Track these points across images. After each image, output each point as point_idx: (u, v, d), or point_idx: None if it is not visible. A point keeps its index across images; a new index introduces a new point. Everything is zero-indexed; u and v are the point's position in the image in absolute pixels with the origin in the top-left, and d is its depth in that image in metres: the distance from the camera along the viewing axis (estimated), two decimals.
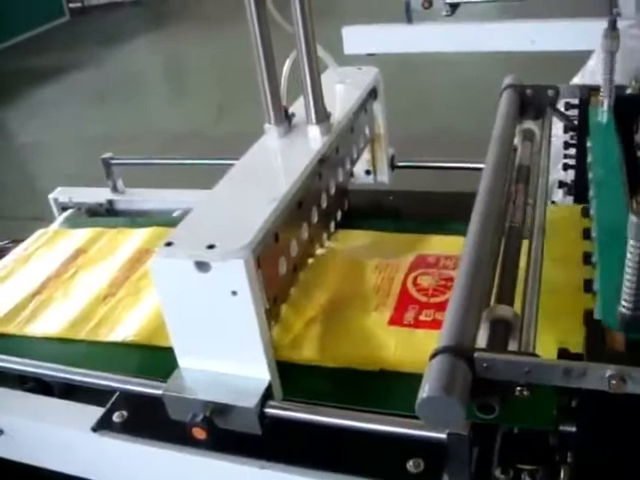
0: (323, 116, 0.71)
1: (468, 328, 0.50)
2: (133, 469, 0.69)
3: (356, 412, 0.60)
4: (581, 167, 0.87)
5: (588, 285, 0.69)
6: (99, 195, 1.13)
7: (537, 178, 0.74)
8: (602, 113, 0.81)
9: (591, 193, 0.72)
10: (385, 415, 0.59)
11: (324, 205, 0.74)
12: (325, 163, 0.71)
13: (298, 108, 0.76)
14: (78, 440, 0.69)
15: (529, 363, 0.47)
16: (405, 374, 0.67)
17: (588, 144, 0.80)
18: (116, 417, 0.68)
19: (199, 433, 0.60)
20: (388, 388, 0.66)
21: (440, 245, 0.85)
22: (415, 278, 0.78)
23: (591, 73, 1.45)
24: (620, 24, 1.45)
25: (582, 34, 1.59)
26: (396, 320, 0.73)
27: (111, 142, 2.24)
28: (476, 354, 0.47)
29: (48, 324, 0.82)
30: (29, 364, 0.73)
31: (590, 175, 0.75)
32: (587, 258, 0.70)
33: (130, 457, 0.68)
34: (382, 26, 1.80)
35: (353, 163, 0.85)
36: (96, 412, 0.70)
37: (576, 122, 0.86)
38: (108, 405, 0.70)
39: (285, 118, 0.72)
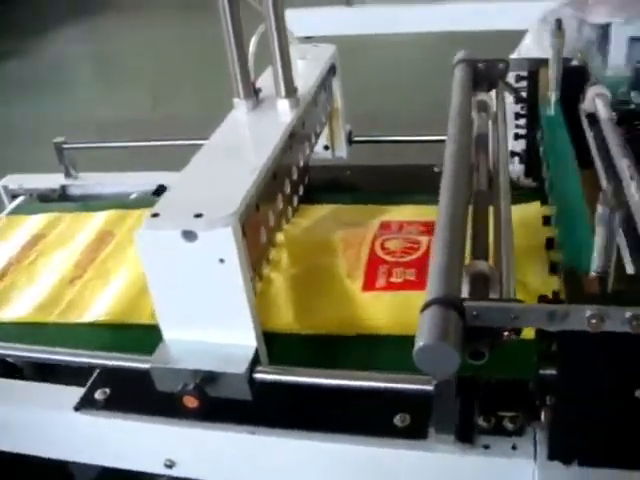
0: (292, 90, 0.73)
1: (454, 280, 0.53)
2: (120, 446, 0.69)
3: (343, 371, 0.62)
4: (531, 137, 0.92)
5: (549, 243, 0.73)
6: (51, 181, 1.11)
7: (497, 145, 0.78)
8: (551, 105, 0.85)
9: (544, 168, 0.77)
10: (370, 372, 0.61)
11: (294, 178, 0.75)
12: (295, 136, 0.73)
13: (262, 83, 0.78)
14: (60, 421, 0.69)
15: (516, 308, 0.50)
16: (382, 336, 0.70)
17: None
18: (98, 395, 0.68)
19: (191, 402, 0.60)
20: (367, 351, 0.69)
21: (400, 214, 0.88)
22: (382, 243, 0.81)
23: (526, 51, 1.51)
24: (552, 4, 1.52)
25: (515, 14, 1.65)
26: (369, 285, 0.75)
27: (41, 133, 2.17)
28: (466, 303, 0.50)
29: (15, 309, 0.81)
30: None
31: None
32: (547, 220, 0.74)
33: (117, 434, 0.68)
34: (321, 9, 1.82)
35: (317, 138, 0.87)
36: (75, 392, 0.69)
37: (525, 94, 0.91)
38: (89, 383, 0.70)
39: (253, 92, 0.73)
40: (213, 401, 0.61)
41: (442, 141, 1.01)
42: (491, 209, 0.67)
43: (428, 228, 0.83)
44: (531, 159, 0.92)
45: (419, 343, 0.48)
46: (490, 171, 0.73)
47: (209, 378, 0.61)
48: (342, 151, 0.96)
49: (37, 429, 0.70)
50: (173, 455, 0.67)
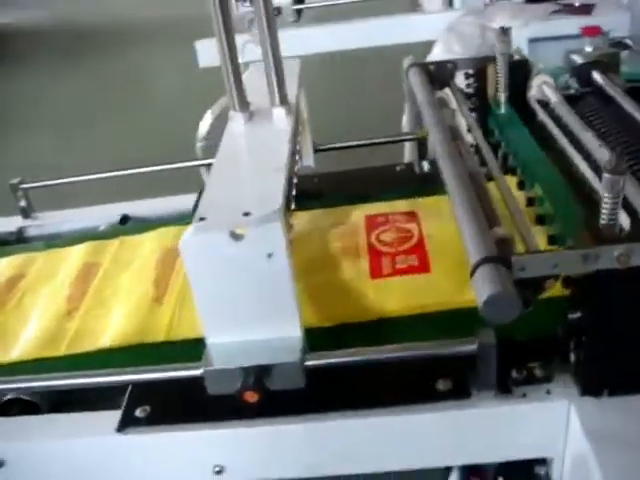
0: (285, 99, 0.77)
1: (490, 242, 0.59)
2: (167, 461, 0.69)
3: (385, 346, 0.66)
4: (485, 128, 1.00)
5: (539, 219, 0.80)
6: (8, 223, 1.08)
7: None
8: (502, 105, 0.94)
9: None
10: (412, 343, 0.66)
11: (295, 181, 0.79)
12: (293, 142, 0.77)
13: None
14: (103, 447, 0.68)
15: (556, 256, 0.57)
16: (399, 317, 0.75)
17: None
18: (139, 412, 0.69)
19: (251, 397, 0.62)
20: (389, 333, 0.73)
21: (378, 209, 0.94)
22: (377, 236, 0.86)
23: (436, 59, 1.63)
24: (454, 15, 1.65)
25: (419, 27, 1.78)
26: (376, 273, 0.80)
27: None
28: (513, 257, 0.56)
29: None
30: (21, 380, 0.71)
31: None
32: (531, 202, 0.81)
33: (165, 448, 0.68)
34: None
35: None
36: (109, 416, 0.69)
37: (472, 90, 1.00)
38: (124, 403, 0.70)
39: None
40: (271, 395, 0.63)
41: (395, 142, 1.09)
42: None
43: (411, 217, 0.89)
44: None
45: (483, 297, 0.53)
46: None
47: (265, 371, 0.63)
48: (310, 159, 1.01)
49: (79, 459, 0.69)
50: (223, 460, 0.68)
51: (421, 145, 1.05)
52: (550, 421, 0.66)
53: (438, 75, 0.98)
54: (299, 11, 1.80)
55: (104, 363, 0.75)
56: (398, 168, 1.05)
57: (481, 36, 1.58)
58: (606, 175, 0.57)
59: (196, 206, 1.03)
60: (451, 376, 0.67)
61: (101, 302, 0.85)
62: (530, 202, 0.79)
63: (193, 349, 0.71)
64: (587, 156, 0.76)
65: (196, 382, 0.65)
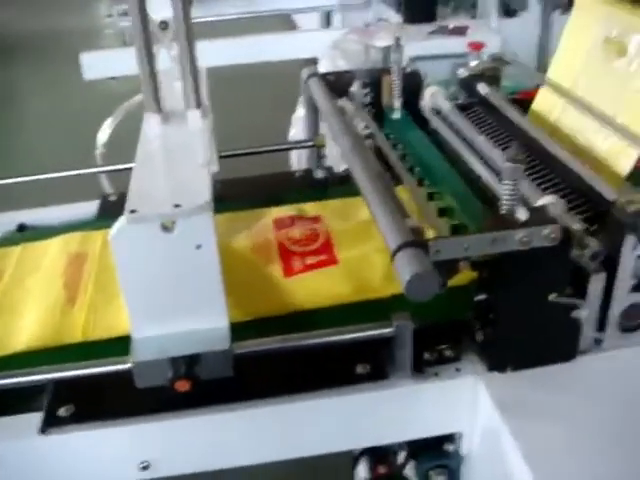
0: (199, 101, 0.79)
1: (406, 230, 0.64)
2: (96, 460, 0.68)
3: (309, 332, 0.69)
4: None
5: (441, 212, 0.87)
6: None
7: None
8: (397, 111, 1.01)
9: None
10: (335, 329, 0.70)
11: None
12: (211, 141, 0.79)
13: None
14: (27, 450, 0.67)
15: (467, 240, 0.62)
16: (312, 310, 0.78)
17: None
18: (63, 412, 0.68)
19: (183, 386, 0.64)
20: (305, 324, 0.77)
21: (284, 212, 0.97)
22: (287, 234, 0.89)
23: None
24: (335, 33, 1.73)
25: (299, 45, 1.84)
26: (288, 271, 0.83)
27: None
28: (430, 242, 0.62)
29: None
30: None
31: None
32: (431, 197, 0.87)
33: (91, 447, 0.68)
34: (118, 50, 1.84)
35: None
36: (29, 418, 0.68)
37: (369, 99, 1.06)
38: (46, 402, 0.68)
39: None
40: (201, 384, 0.65)
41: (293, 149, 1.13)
42: None
43: (317, 219, 0.94)
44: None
45: (406, 277, 0.58)
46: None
47: (194, 361, 0.64)
48: (215, 165, 1.02)
49: (3, 463, 0.67)
50: (152, 454, 0.69)
51: (319, 151, 1.10)
52: (460, 397, 0.71)
53: (336, 85, 1.03)
54: None
55: (20, 367, 0.73)
56: (297, 174, 1.09)
57: (365, 53, 1.67)
58: (507, 164, 0.64)
59: (103, 210, 1.04)
60: (369, 360, 0.71)
61: (10, 307, 0.82)
62: (430, 197, 0.85)
63: (111, 348, 0.71)
64: (481, 156, 0.84)
65: (122, 377, 0.65)
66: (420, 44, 1.66)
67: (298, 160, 1.46)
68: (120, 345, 0.70)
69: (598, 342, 0.72)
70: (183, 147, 0.73)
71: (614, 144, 0.81)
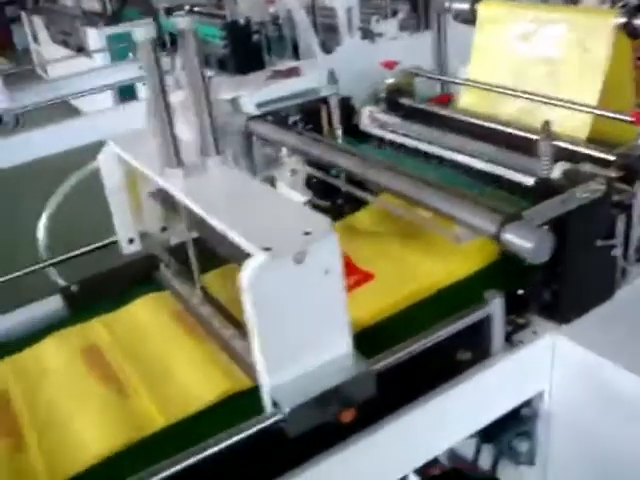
0: (218, 148, 0.77)
1: (492, 208, 0.69)
2: None
3: (417, 336, 0.70)
4: None
5: None
6: None
7: None
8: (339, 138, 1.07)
9: None
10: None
11: None
12: None
13: None
14: None
15: (543, 207, 0.70)
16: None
17: None
18: None
19: (348, 416, 0.62)
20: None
21: None
22: None
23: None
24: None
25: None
26: None
27: None
28: (523, 213, 0.68)
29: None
30: None
31: None
32: None
33: None
34: None
35: None
36: None
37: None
38: None
39: None
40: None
41: None
42: None
43: None
44: None
45: (529, 244, 0.64)
46: None
47: (341, 390, 0.63)
48: None
49: None
50: None
51: None
52: (542, 356, 0.78)
53: (276, 122, 1.06)
54: (17, 117, 1.68)
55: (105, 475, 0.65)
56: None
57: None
58: (542, 137, 0.73)
59: (71, 301, 0.91)
60: (464, 345, 0.74)
61: (48, 423, 0.72)
62: None
63: (193, 426, 0.69)
64: (459, 150, 0.93)
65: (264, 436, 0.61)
66: (266, 89, 1.72)
67: None
68: (204, 418, 0.69)
69: (624, 274, 0.82)
70: (238, 187, 0.72)
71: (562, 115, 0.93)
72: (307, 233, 0.60)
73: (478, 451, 0.87)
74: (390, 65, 1.09)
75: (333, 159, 0.87)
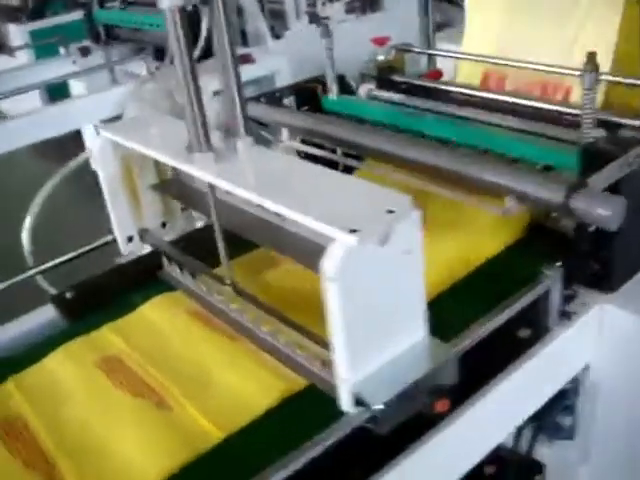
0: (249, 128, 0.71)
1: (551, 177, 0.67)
2: None
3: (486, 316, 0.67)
4: None
5: None
6: None
7: None
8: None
9: None
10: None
11: None
12: None
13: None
14: None
15: (613, 168, 0.67)
16: None
17: None
18: None
19: (444, 405, 0.58)
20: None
21: None
22: None
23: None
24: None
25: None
26: None
27: None
28: (588, 180, 0.65)
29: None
30: None
31: None
32: None
33: None
34: None
35: None
36: None
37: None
38: None
39: None
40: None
41: None
42: None
43: None
44: None
45: (609, 211, 0.61)
46: None
47: (429, 380, 0.58)
48: None
49: None
50: None
51: None
52: (592, 326, 0.76)
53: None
54: None
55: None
56: None
57: (168, 97, 1.60)
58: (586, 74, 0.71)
59: (66, 309, 0.82)
60: (522, 323, 0.71)
61: (84, 448, 0.63)
62: None
63: (250, 436, 0.63)
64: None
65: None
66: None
67: None
68: (262, 426, 0.63)
69: None
70: (286, 168, 0.66)
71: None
72: (390, 211, 0.55)
73: (519, 433, 0.85)
74: (380, 41, 1.04)
75: (361, 140, 0.82)
